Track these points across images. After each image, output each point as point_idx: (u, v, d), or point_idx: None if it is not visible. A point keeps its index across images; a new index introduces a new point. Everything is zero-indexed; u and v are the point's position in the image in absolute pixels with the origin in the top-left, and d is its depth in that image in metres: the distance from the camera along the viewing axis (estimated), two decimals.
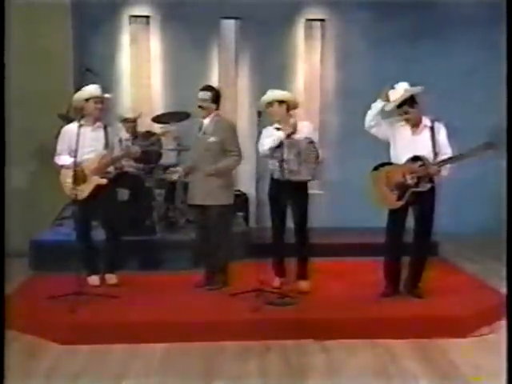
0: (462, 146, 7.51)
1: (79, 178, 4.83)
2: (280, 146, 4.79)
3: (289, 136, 4.80)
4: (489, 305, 4.79)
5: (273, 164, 4.86)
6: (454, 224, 7.01)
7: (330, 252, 5.77)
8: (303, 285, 5.03)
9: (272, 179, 4.97)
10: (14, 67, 6.10)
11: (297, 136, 4.84)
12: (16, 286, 5.12)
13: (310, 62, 7.62)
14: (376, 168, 4.81)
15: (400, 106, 4.65)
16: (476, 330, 4.43)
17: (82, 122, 4.84)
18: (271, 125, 4.94)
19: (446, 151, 4.66)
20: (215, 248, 5.03)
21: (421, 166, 4.58)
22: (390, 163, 4.79)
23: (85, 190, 4.89)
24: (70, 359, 3.98)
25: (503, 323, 4.42)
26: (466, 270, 5.92)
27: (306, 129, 4.93)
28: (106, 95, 5.04)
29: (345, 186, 6.72)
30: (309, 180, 4.87)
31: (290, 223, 5.06)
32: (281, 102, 4.90)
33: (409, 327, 4.38)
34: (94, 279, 5.13)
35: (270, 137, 4.84)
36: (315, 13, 7.59)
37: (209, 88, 5.05)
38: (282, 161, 4.77)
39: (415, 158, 4.61)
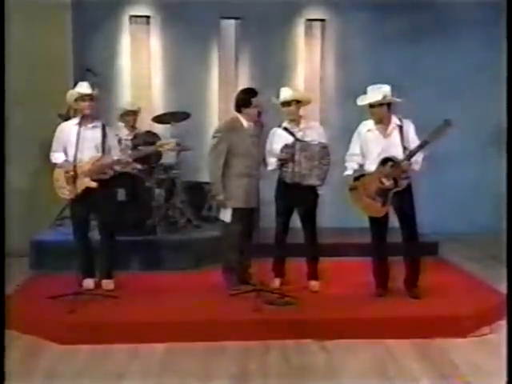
0: (462, 146, 7.52)
1: (71, 177, 4.72)
2: (292, 147, 4.79)
3: (301, 139, 4.81)
4: (489, 305, 4.78)
5: (282, 166, 4.83)
6: (454, 224, 7.00)
7: (330, 252, 5.75)
8: (314, 284, 5.06)
9: (279, 180, 4.94)
10: (14, 67, 6.11)
11: (309, 139, 4.84)
12: (16, 286, 5.12)
13: (310, 61, 7.61)
14: (351, 188, 4.78)
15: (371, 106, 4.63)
16: (476, 329, 4.42)
17: (78, 120, 4.84)
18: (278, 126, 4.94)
19: (415, 145, 4.60)
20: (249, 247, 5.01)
21: (392, 166, 4.57)
22: (362, 175, 4.75)
23: (73, 191, 4.75)
24: (70, 359, 3.98)
25: (503, 323, 4.43)
26: (466, 270, 5.91)
27: (316, 131, 4.94)
28: (94, 92, 4.87)
29: (345, 186, 6.70)
30: (318, 185, 4.87)
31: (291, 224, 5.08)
32: (298, 101, 4.89)
33: (409, 327, 4.38)
34: (88, 283, 4.99)
35: (280, 143, 4.83)
36: (315, 13, 7.59)
37: None
38: (292, 163, 4.77)
39: (385, 160, 4.60)
